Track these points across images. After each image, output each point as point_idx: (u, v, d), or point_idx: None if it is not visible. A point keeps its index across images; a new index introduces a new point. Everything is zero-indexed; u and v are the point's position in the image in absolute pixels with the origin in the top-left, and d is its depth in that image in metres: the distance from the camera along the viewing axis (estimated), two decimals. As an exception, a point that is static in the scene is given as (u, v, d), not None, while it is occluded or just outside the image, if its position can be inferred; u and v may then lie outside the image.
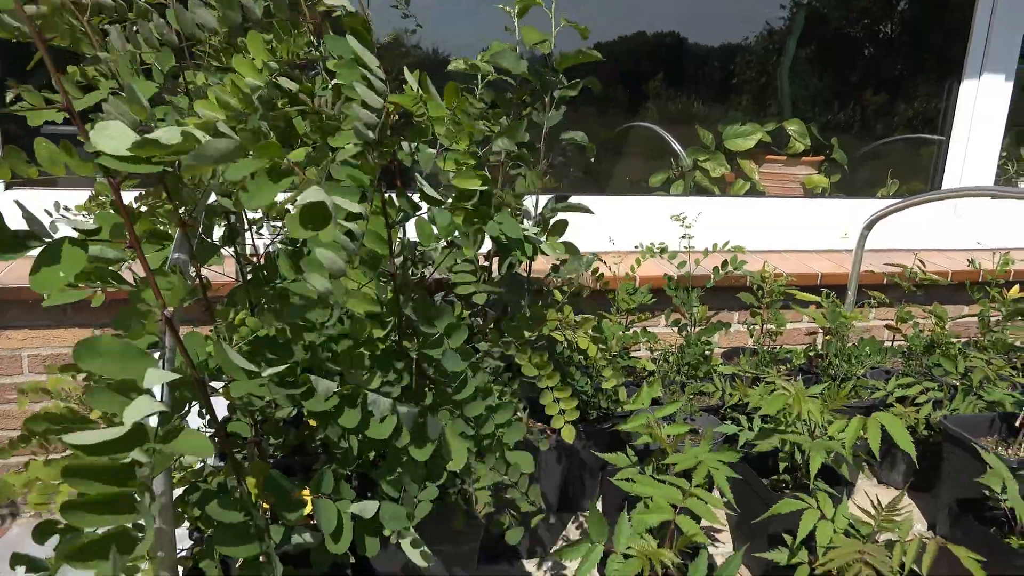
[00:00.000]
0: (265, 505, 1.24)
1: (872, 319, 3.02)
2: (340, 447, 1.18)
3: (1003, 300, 2.46)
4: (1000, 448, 1.91)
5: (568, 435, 1.54)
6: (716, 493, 2.17)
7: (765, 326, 2.42)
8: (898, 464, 2.22)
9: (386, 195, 1.36)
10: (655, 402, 2.07)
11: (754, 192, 3.27)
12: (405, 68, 1.54)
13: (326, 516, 1.06)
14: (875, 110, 3.53)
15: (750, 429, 1.90)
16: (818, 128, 3.37)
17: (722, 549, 1.92)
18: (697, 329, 2.25)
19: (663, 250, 2.21)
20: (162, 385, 1.00)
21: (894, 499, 1.36)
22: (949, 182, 3.23)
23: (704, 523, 2.05)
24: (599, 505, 2.03)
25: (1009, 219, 3.28)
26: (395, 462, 1.14)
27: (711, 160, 3.18)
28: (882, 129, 3.52)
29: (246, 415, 1.40)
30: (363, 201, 1.24)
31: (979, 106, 3.13)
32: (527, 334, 1.57)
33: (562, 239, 1.74)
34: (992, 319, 2.44)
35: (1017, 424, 1.82)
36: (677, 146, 3.41)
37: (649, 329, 2.42)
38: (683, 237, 2.25)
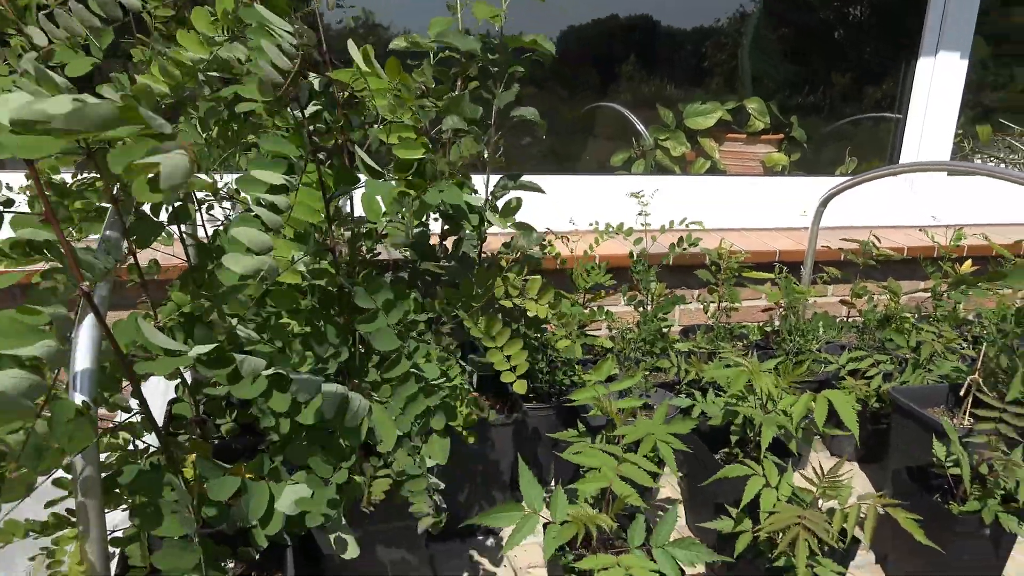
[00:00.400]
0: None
1: (830, 295, 3.06)
2: (274, 429, 1.17)
3: (955, 274, 2.49)
4: (946, 417, 1.94)
5: (520, 388, 1.54)
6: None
7: (722, 303, 2.44)
8: (851, 436, 2.24)
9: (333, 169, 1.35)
10: (611, 378, 2.08)
11: (715, 171, 3.28)
12: (350, 42, 1.53)
13: (255, 501, 1.05)
14: (837, 90, 3.56)
15: (704, 401, 1.92)
16: (779, 107, 3.38)
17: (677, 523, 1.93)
18: (653, 306, 2.25)
19: (619, 228, 2.21)
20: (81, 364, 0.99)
21: (834, 466, 1.38)
22: (906, 159, 3.26)
23: (661, 495, 2.07)
24: (552, 483, 2.04)
25: (964, 195, 3.33)
26: (302, 448, 1.14)
27: (671, 139, 3.19)
28: (844, 108, 3.55)
29: (190, 395, 1.39)
30: (291, 173, 1.23)
31: (935, 84, 3.17)
32: (474, 303, 1.57)
33: (519, 218, 1.74)
34: (942, 292, 2.48)
35: (962, 393, 1.85)
36: (640, 126, 3.42)
37: (608, 308, 2.43)
38: (640, 214, 2.25)
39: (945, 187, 3.31)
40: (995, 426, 1.65)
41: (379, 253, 2.00)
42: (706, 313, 2.42)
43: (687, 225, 2.21)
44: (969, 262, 2.64)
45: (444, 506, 1.29)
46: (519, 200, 1.72)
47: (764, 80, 3.46)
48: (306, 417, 1.05)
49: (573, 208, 2.82)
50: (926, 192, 3.27)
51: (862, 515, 1.34)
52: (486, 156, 1.69)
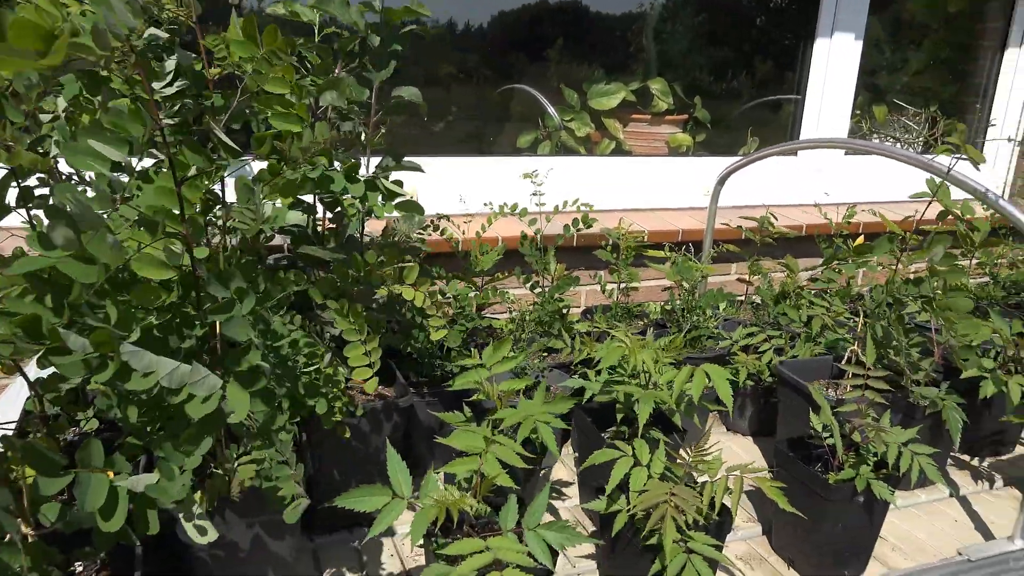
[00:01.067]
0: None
1: (733, 273, 3.10)
2: (116, 415, 1.10)
3: (846, 250, 2.55)
4: (830, 390, 1.99)
5: (371, 387, 1.51)
6: (569, 447, 2.18)
7: (621, 283, 2.44)
8: (746, 411, 2.28)
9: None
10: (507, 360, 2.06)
11: (620, 151, 3.29)
12: (234, 13, 1.46)
13: (92, 491, 0.99)
14: (745, 72, 3.60)
15: (599, 381, 1.92)
16: (686, 89, 3.40)
17: (569, 503, 1.93)
18: (549, 287, 2.24)
19: (513, 209, 2.19)
20: None
21: (702, 439, 1.38)
22: (805, 138, 3.33)
23: (555, 476, 2.06)
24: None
25: (862, 174, 3.42)
26: (164, 429, 1.08)
27: (576, 119, 3.18)
28: (750, 90, 3.59)
29: (32, 391, 1.30)
30: (132, 152, 1.16)
31: (831, 64, 3.23)
32: (350, 289, 1.52)
33: (407, 196, 1.69)
34: (821, 266, 2.53)
35: (843, 364, 1.89)
36: (550, 108, 3.40)
37: (510, 290, 2.40)
38: (534, 195, 2.23)
39: (844, 166, 3.39)
40: (862, 392, 1.68)
41: (271, 238, 1.93)
42: (603, 292, 2.42)
43: (579, 207, 2.19)
44: (862, 238, 2.71)
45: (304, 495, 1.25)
46: (399, 183, 1.67)
47: (672, 62, 3.48)
48: (140, 384, 1.00)
49: (478, 190, 2.78)
50: (826, 171, 3.35)
51: (730, 487, 1.35)
52: (363, 138, 1.64)
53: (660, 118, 3.30)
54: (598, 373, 1.93)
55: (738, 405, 2.28)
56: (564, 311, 2.30)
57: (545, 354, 2.23)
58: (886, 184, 3.45)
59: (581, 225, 2.19)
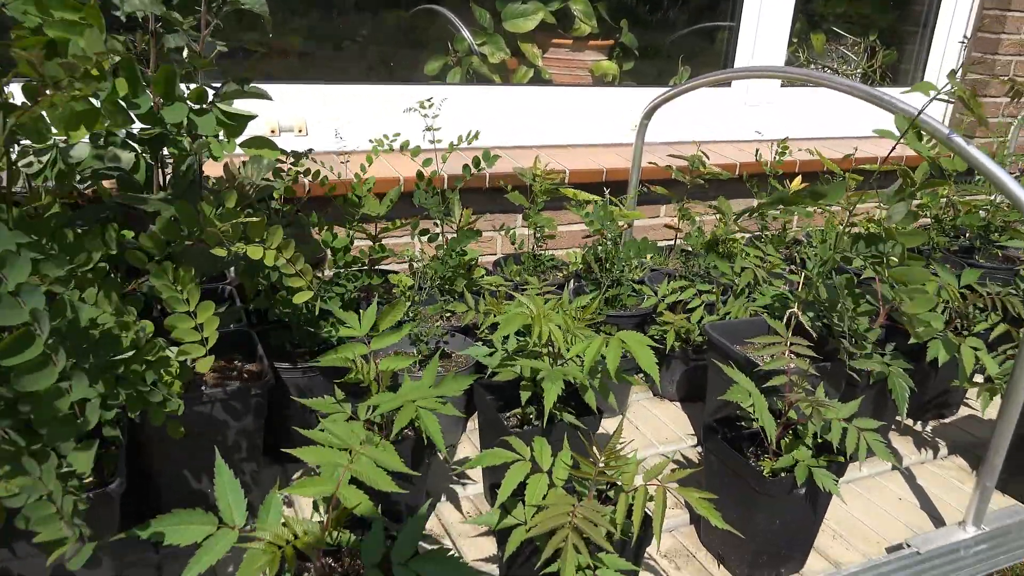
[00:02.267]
0: None
1: (663, 216, 2.85)
2: None
3: (788, 196, 2.32)
4: (766, 356, 1.76)
5: (204, 366, 1.21)
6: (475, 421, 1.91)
7: (536, 230, 2.16)
8: (674, 375, 2.05)
9: None
10: (401, 324, 1.76)
11: (539, 80, 2.96)
12: None
13: None
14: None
15: (505, 350, 1.65)
16: (610, 12, 3.07)
17: (473, 489, 1.67)
18: (450, 237, 1.94)
19: (404, 145, 1.86)
20: None
21: (613, 438, 1.12)
22: (740, 67, 3.06)
23: (460, 453, 1.80)
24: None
25: (803, 108, 3.18)
26: None
27: (488, 44, 2.82)
28: (684, 17, 3.28)
29: None
30: None
31: (768, -13, 2.95)
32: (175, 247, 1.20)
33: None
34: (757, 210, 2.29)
35: (766, 339, 1.65)
36: (464, 31, 3.03)
37: (407, 238, 2.09)
38: (427, 129, 1.90)
39: (781, 99, 3.14)
40: (786, 362, 1.46)
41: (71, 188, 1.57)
42: (513, 244, 2.13)
43: (472, 139, 1.88)
44: (799, 178, 2.48)
45: (88, 533, 0.94)
46: (246, 116, 1.33)
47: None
48: None
49: (377, 123, 2.44)
50: (761, 104, 3.10)
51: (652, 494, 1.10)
52: (185, 56, 1.28)
53: (583, 43, 2.98)
54: (504, 340, 1.66)
55: (665, 369, 2.04)
56: (471, 264, 2.01)
57: (449, 315, 1.95)
58: (826, 119, 3.23)
59: (483, 164, 1.88)
